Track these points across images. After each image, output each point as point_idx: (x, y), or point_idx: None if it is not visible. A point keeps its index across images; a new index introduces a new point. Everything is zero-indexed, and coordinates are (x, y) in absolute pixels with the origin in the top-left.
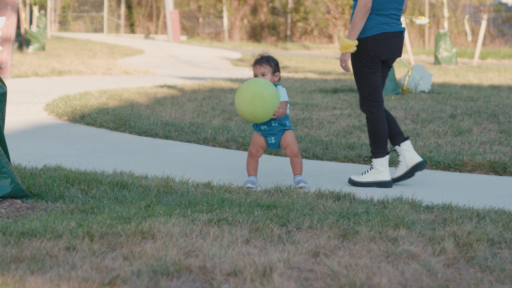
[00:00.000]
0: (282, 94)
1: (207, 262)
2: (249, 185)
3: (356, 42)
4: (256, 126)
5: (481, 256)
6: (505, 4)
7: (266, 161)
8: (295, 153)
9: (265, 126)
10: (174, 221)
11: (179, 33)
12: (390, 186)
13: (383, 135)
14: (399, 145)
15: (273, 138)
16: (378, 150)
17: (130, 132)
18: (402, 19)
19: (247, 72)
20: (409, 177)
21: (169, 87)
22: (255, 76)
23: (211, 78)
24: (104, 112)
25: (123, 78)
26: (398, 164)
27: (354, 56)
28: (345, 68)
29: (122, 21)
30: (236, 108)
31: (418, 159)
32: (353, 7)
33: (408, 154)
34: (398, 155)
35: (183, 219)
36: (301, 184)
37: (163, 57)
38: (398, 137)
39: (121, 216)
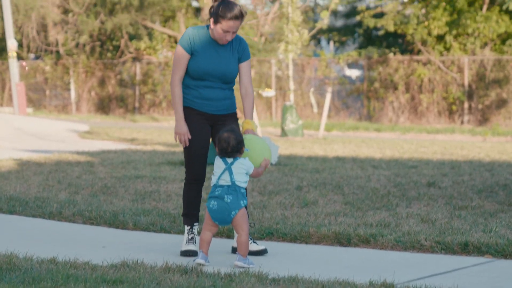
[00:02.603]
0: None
1: None
2: None
3: None
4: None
5: None
6: (349, 77)
7: (117, 236)
8: None
9: None
10: None
11: (25, 106)
12: (195, 255)
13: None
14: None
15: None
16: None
17: None
18: None
19: (95, 144)
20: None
21: (14, 160)
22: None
23: (58, 151)
24: None
25: None
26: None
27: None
28: None
29: None
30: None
31: None
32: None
33: None
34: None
35: None
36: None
37: (9, 130)
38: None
39: None
